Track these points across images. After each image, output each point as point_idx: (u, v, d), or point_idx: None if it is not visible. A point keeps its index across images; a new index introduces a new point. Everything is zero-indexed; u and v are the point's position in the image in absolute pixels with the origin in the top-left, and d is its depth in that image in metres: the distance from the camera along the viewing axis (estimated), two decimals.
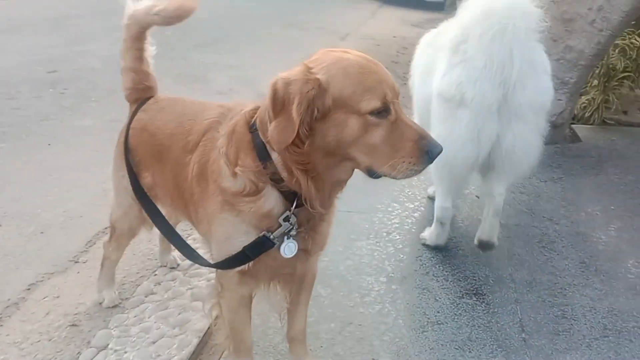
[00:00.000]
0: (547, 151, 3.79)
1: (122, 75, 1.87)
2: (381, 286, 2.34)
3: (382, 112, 1.21)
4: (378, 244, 2.66)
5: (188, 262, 2.43)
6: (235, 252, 1.39)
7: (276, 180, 1.30)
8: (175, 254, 2.43)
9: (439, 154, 1.26)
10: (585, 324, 2.12)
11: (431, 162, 1.27)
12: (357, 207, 2.97)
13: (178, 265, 2.43)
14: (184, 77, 5.29)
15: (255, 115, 1.34)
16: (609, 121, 4.32)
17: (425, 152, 1.24)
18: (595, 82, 4.26)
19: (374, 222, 2.86)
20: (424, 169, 1.27)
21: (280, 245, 1.37)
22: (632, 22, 4.31)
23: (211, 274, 2.28)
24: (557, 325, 2.12)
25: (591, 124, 4.30)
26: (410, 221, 2.89)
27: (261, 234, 1.35)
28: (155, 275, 2.37)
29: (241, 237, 1.38)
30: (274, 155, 1.29)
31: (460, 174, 2.43)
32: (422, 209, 3.00)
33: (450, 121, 2.32)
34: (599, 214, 3.00)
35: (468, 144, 2.30)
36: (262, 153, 1.30)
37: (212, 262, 1.52)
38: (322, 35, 8.70)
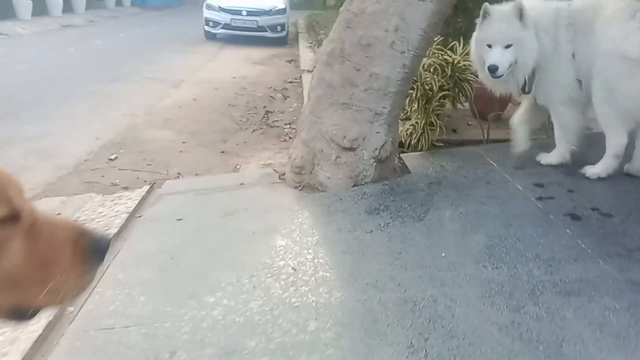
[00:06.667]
0: (374, 191, 3.37)
1: None
2: None
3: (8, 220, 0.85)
4: None
5: None
6: None
7: None
8: None
9: (107, 247, 0.99)
10: None
11: (102, 260, 0.98)
12: (136, 315, 2.27)
13: None
14: None
15: None
16: (438, 144, 4.03)
17: (92, 251, 0.95)
18: (415, 106, 3.96)
19: (158, 337, 2.17)
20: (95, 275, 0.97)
21: None
22: (440, 39, 4.11)
23: None
24: None
25: (420, 150, 3.98)
26: (205, 325, 2.22)
27: None
28: None
29: None
30: None
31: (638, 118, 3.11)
32: (225, 301, 2.35)
33: (637, 78, 2.92)
34: (429, 267, 2.55)
35: None
36: None
37: None
38: (151, 85, 8.00)
